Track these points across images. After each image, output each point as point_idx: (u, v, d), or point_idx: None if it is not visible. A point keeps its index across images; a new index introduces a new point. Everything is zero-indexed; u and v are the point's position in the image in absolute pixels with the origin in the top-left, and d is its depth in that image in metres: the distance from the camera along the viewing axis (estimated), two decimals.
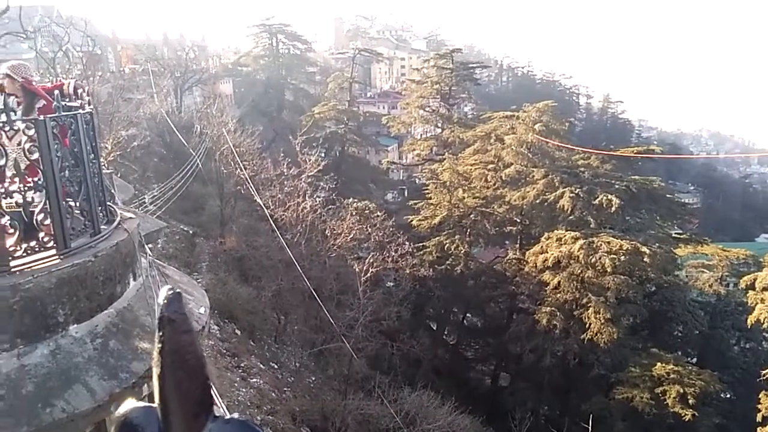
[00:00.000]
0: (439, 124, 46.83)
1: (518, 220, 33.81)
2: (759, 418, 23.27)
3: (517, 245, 33.89)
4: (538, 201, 31.39)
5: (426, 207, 34.49)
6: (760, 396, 23.65)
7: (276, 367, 20.75)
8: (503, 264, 33.15)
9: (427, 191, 35.56)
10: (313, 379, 21.93)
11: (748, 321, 25.08)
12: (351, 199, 30.49)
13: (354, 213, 27.32)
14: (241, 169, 25.01)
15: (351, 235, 25.10)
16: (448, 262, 31.21)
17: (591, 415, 16.60)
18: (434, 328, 36.00)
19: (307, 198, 24.60)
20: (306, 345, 23.24)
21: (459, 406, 19.63)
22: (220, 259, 27.55)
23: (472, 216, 32.22)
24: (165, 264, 7.90)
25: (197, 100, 55.68)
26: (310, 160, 26.86)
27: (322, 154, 41.86)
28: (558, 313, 27.09)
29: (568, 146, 38.00)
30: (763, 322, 24.75)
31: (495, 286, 33.15)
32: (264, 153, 31.96)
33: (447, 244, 31.59)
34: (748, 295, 25.77)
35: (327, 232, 24.62)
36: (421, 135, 54.03)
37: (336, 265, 24.69)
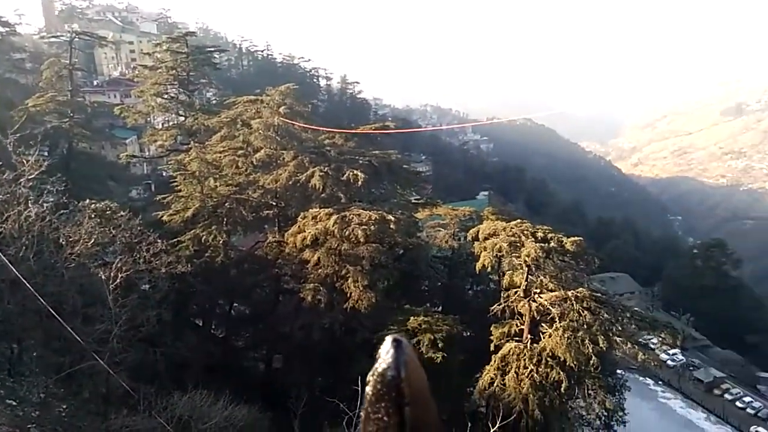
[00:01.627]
0: (181, 112, 44.46)
1: (274, 203, 34.15)
2: (492, 347, 27.69)
3: (276, 228, 34.28)
4: (290, 182, 32.09)
5: (177, 200, 32.65)
6: (491, 329, 28.12)
7: (15, 403, 17.82)
8: (264, 248, 33.27)
9: (175, 183, 33.64)
10: (65, 407, 19.37)
11: (477, 267, 29.33)
12: (88, 201, 27.24)
13: (93, 215, 24.51)
14: None
15: (92, 241, 22.52)
16: (207, 254, 30.18)
17: (359, 377, 17.78)
18: (200, 324, 34.65)
19: (30, 205, 21.30)
20: (50, 371, 20.36)
21: (235, 398, 19.32)
22: None
23: (227, 204, 31.53)
24: None
25: None
26: (28, 161, 23.19)
27: (45, 153, 36.56)
28: (321, 288, 28.29)
29: (314, 127, 39.48)
30: (488, 267, 29.30)
31: (258, 272, 33.15)
32: None
33: (204, 236, 30.47)
34: (474, 245, 30.04)
35: (61, 240, 21.70)
36: (162, 124, 50.68)
37: (77, 275, 21.95)
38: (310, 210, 29.74)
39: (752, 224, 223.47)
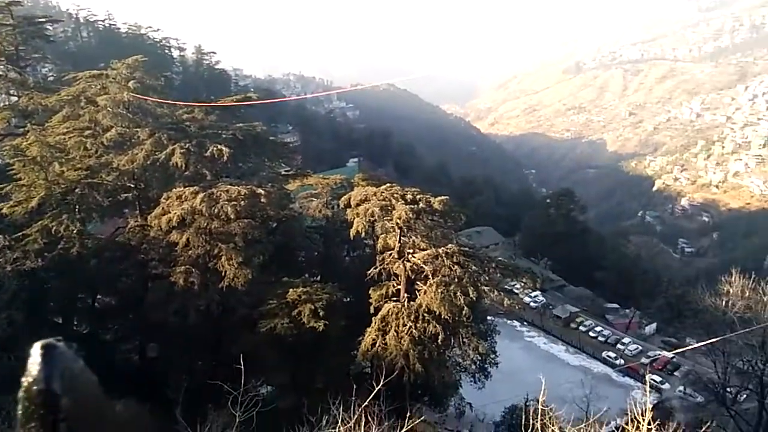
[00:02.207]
0: (12, 92, 39.73)
1: (132, 185, 31.94)
2: (372, 309, 28.50)
3: (137, 211, 32.18)
4: (149, 162, 30.14)
5: (17, 190, 29.28)
6: (370, 292, 28.88)
7: None
8: (126, 234, 31.15)
9: (14, 172, 30.08)
10: None
11: (351, 234, 29.74)
12: None
13: None
14: None
15: None
16: (60, 246, 27.59)
17: (242, 355, 17.47)
18: (60, 322, 31.90)
19: None
20: None
21: (107, 395, 18.17)
22: None
23: (77, 190, 28.92)
24: None
25: None
26: None
27: None
28: (193, 270, 27.15)
29: (170, 102, 37.24)
30: (362, 232, 29.83)
31: (122, 259, 30.95)
32: None
33: (54, 227, 27.77)
34: (347, 212, 30.38)
35: None
36: None
37: None
38: (174, 190, 28.22)
39: (594, 173, 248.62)
